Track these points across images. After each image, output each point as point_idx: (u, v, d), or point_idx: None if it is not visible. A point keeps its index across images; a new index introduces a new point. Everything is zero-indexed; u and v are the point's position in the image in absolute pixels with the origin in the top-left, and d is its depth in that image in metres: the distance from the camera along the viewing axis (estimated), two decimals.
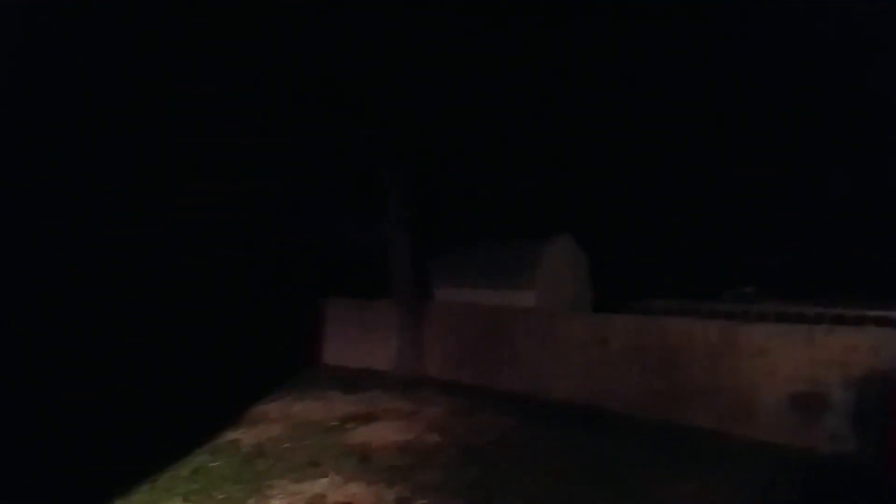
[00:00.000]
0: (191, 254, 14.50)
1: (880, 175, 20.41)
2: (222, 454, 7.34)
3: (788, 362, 8.46)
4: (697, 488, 6.49)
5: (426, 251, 16.56)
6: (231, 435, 8.25)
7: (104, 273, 11.37)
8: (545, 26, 13.69)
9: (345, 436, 8.32)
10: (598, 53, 14.72)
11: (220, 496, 5.87)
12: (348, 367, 14.45)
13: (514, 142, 15.99)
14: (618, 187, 19.20)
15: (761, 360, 8.74)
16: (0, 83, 5.92)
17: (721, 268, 21.64)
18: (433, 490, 6.23)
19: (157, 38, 9.09)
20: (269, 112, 13.49)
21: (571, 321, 11.40)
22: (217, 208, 14.59)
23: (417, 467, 7.00)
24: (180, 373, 11.03)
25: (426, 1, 11.94)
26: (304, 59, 12.64)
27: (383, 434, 8.38)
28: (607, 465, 7.28)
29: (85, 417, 8.24)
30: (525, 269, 14.95)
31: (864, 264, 19.36)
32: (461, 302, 14.60)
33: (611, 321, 10.76)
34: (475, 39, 12.83)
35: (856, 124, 18.59)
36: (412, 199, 14.51)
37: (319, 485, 6.29)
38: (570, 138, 16.54)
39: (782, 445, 8.14)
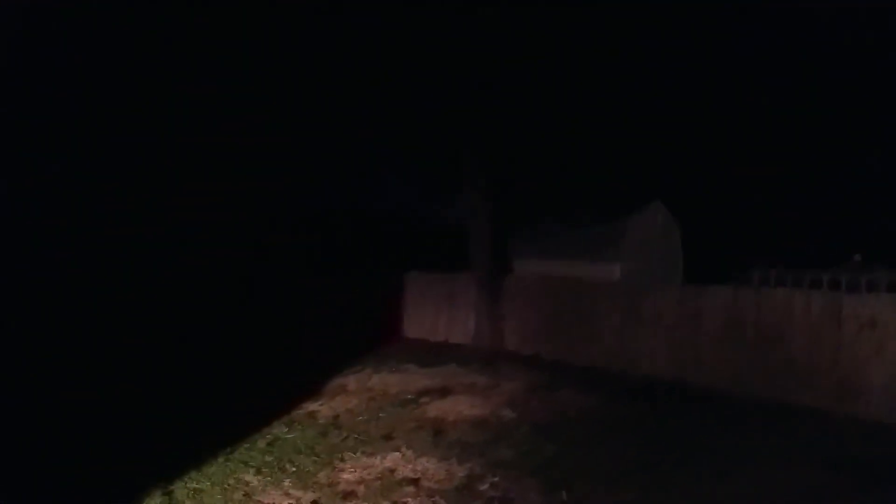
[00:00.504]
0: (277, 229, 14.89)
1: None
2: (299, 426, 7.41)
3: None
4: (797, 472, 5.89)
5: (507, 223, 16.20)
6: (309, 407, 8.34)
7: (193, 256, 11.78)
8: None
9: (420, 409, 8.23)
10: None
11: (292, 468, 5.89)
12: (428, 341, 14.43)
13: (599, 104, 15.14)
14: (713, 149, 17.87)
15: (870, 333, 7.86)
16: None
17: (826, 234, 19.85)
18: (506, 467, 5.98)
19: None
20: (348, 85, 13.49)
21: (659, 294, 10.76)
22: (297, 184, 14.87)
23: (491, 443, 6.78)
24: (264, 346, 11.35)
25: None
26: (388, 32, 12.53)
27: (458, 408, 8.21)
28: (694, 446, 6.77)
29: (173, 390, 8.61)
30: (610, 241, 14.34)
31: None
32: (542, 275, 14.20)
33: (703, 293, 10.07)
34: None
35: None
36: (492, 171, 14.16)
37: (391, 459, 6.19)
38: (659, 97, 15.48)
39: (892, 426, 7.31)
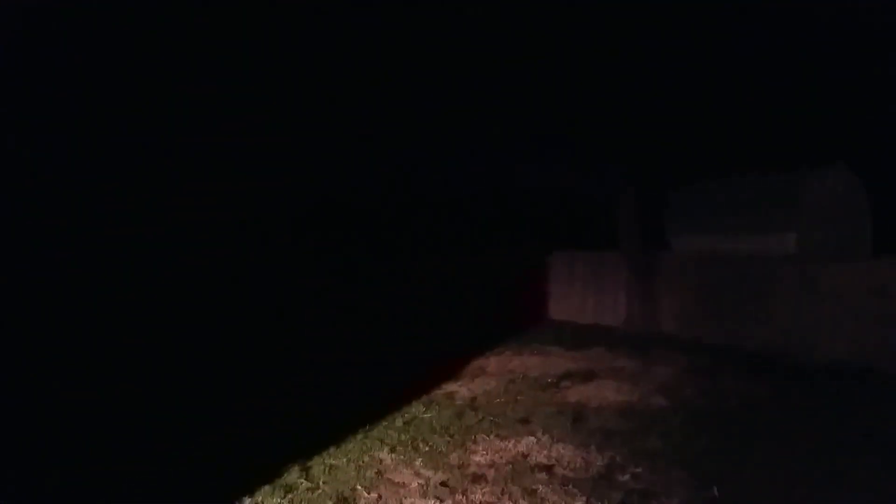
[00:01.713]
0: (438, 209, 15.09)
1: None
2: (437, 406, 7.39)
3: None
4: None
5: (660, 196, 15.11)
6: (449, 387, 8.32)
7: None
8: None
9: (561, 394, 7.86)
10: None
11: (426, 448, 5.85)
12: (576, 323, 13.92)
13: (760, 49, 13.48)
14: None
15: None
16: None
17: None
18: (652, 458, 5.46)
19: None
20: (485, 58, 13.35)
21: (841, 268, 9.35)
22: (442, 161, 14.97)
23: (637, 432, 6.25)
24: (408, 327, 11.56)
25: None
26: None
27: (602, 394, 7.73)
28: (879, 440, 5.73)
29: (324, 372, 9.02)
30: (782, 208, 12.71)
31: None
32: (700, 251, 13.03)
33: (894, 266, 8.56)
34: None
35: None
36: (640, 139, 13.25)
37: (525, 443, 5.93)
38: (831, 41, 13.44)
39: None
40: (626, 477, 5.05)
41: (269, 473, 5.13)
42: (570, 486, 4.88)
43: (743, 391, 7.80)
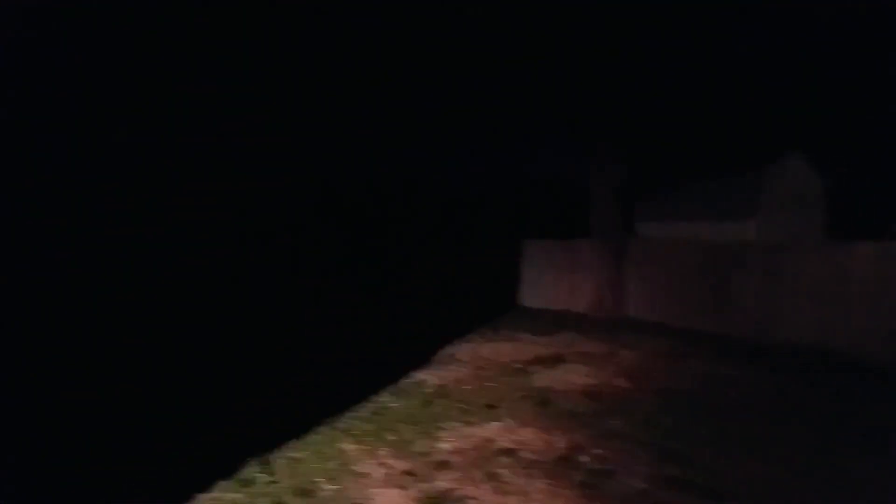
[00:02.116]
0: (399, 200, 15.02)
1: None
2: (405, 394, 7.38)
3: None
4: None
5: (630, 185, 15.21)
6: (419, 375, 8.31)
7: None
8: None
9: (528, 378, 7.90)
10: None
11: (392, 437, 5.83)
12: (547, 310, 14.00)
13: (730, 48, 13.64)
14: (859, 95, 15.46)
15: None
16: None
17: None
18: (614, 439, 5.52)
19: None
20: (468, 48, 13.29)
21: (800, 254, 9.52)
22: (411, 152, 14.90)
23: (601, 413, 6.32)
24: (378, 315, 11.51)
25: None
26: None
27: (568, 378, 7.79)
28: (836, 420, 5.87)
29: (289, 363, 8.93)
30: (744, 197, 12.94)
31: None
32: (667, 238, 13.16)
33: (851, 251, 8.75)
34: None
35: None
36: (614, 131, 13.31)
37: (491, 429, 5.95)
38: (789, 41, 13.65)
39: None
40: (587, 458, 5.09)
41: (227, 468, 5.05)
42: (533, 469, 4.90)
43: (705, 372, 7.93)
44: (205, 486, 4.73)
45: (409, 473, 4.97)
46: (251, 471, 5.04)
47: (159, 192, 7.70)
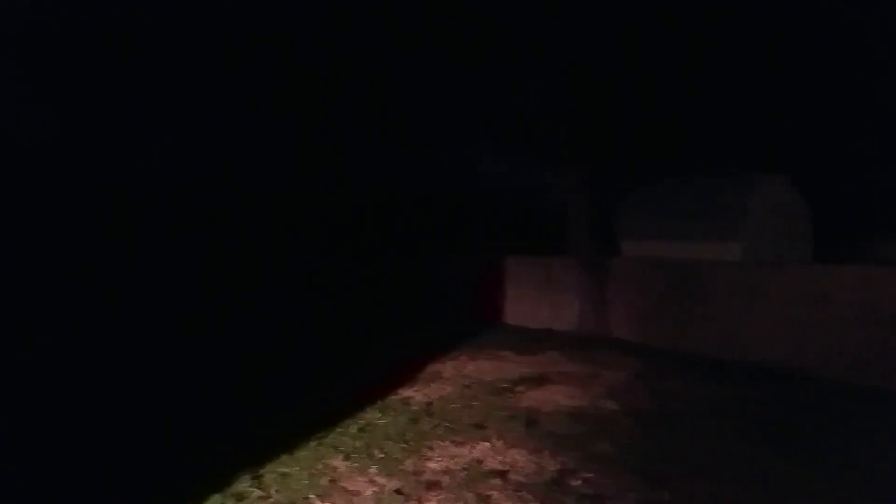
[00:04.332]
0: (392, 212, 15.00)
1: None
2: (392, 412, 7.37)
3: None
4: None
5: (610, 202, 15.39)
6: (405, 392, 8.31)
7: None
8: None
9: (514, 398, 7.94)
10: None
11: (380, 455, 5.83)
12: (528, 328, 14.07)
13: (714, 62, 13.83)
14: (848, 113, 15.87)
15: None
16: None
17: None
18: (603, 462, 5.58)
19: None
20: (441, 64, 13.36)
21: (782, 274, 9.75)
22: (393, 166, 14.92)
23: (589, 436, 6.37)
24: (364, 332, 11.50)
25: None
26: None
27: (555, 398, 7.85)
28: (818, 443, 6.00)
29: (275, 377, 8.89)
30: (729, 217, 13.15)
31: None
32: (650, 256, 13.35)
33: (833, 273, 8.99)
34: None
35: None
36: (590, 143, 13.45)
37: (480, 449, 5.98)
38: (784, 52, 13.93)
39: None
40: (578, 482, 5.14)
41: (219, 482, 5.02)
42: (524, 492, 4.94)
43: (689, 393, 8.05)
44: (196, 499, 4.68)
45: (399, 492, 4.98)
46: (243, 484, 5.01)
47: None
